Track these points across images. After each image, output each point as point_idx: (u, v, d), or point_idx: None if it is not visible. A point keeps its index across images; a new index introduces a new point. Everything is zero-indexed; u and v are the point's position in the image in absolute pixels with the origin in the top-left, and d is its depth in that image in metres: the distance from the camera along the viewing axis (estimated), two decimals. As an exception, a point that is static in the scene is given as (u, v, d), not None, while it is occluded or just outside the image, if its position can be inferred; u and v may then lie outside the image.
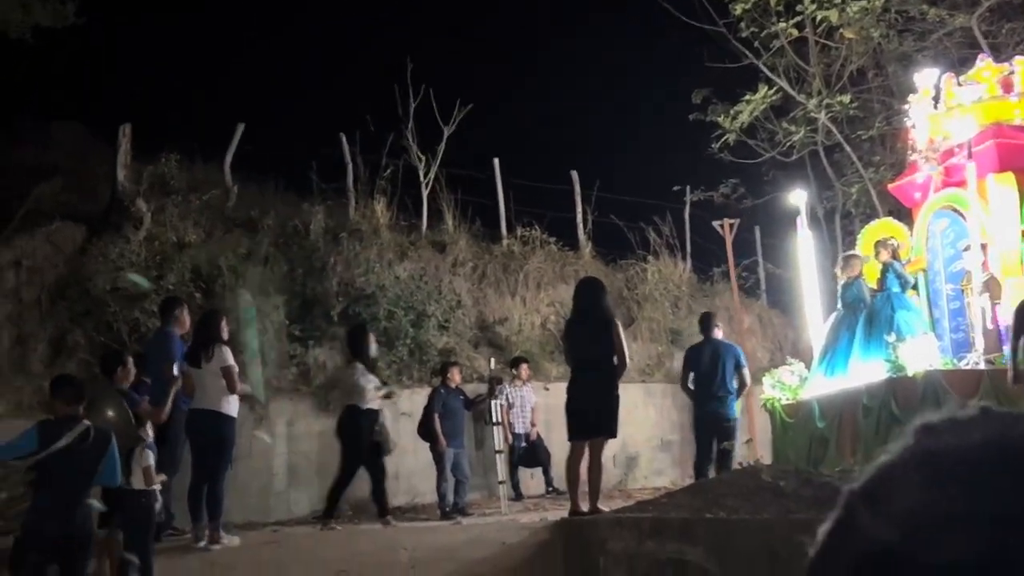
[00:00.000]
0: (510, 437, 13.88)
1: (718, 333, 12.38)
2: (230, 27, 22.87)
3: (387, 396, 11.56)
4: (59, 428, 6.79)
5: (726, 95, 19.15)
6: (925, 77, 12.59)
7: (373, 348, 11.85)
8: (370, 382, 11.21)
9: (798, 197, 13.17)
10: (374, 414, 11.21)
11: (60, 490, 6.74)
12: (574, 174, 18.41)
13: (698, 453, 12.17)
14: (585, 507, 8.91)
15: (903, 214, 13.83)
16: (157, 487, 8.28)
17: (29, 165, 16.31)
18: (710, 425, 11.92)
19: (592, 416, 9.10)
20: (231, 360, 9.68)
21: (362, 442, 10.94)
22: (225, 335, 9.80)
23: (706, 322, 12.56)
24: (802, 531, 5.52)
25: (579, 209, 18.32)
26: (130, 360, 9.37)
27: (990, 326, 10.66)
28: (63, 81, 19.73)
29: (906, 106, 17.42)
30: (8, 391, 11.83)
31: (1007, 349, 10.33)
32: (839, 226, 19.69)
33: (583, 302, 9.71)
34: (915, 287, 11.81)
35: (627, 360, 9.44)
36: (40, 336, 12.95)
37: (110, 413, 8.28)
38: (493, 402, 13.06)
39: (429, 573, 7.48)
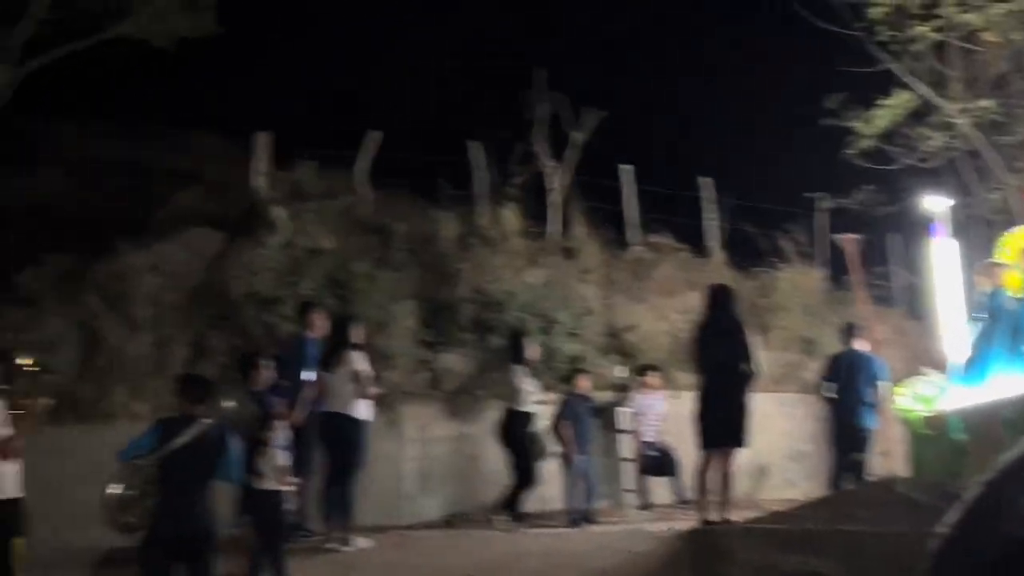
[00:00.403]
0: (639, 445, 13.80)
1: (860, 344, 12.10)
2: (363, 36, 23.24)
3: (543, 402, 11.68)
4: (179, 426, 6.93)
5: (862, 100, 18.74)
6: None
7: (533, 352, 11.95)
8: (529, 385, 11.31)
9: (935, 203, 12.81)
10: (532, 417, 11.32)
11: (179, 488, 6.88)
12: (705, 180, 18.24)
13: (833, 464, 11.93)
14: (715, 517, 8.80)
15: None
16: (289, 488, 8.44)
17: (171, 172, 16.85)
18: (844, 436, 11.68)
19: (722, 425, 8.99)
20: (362, 364, 9.83)
21: (524, 442, 10.99)
22: (357, 340, 9.95)
23: (848, 332, 12.31)
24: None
25: (709, 216, 18.13)
26: (265, 363, 9.56)
27: None
28: (204, 90, 20.29)
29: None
30: (148, 393, 12.17)
31: None
32: (978, 234, 19.08)
33: (713, 309, 9.60)
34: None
35: (759, 368, 9.30)
36: (179, 339, 13.30)
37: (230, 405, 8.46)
38: (622, 410, 13.00)
39: (557, 580, 7.48)
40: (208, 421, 7.05)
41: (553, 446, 12.60)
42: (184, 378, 7.47)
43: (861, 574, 5.16)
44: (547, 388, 14.11)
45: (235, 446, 7.13)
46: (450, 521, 12.75)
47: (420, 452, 13.30)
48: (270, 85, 21.43)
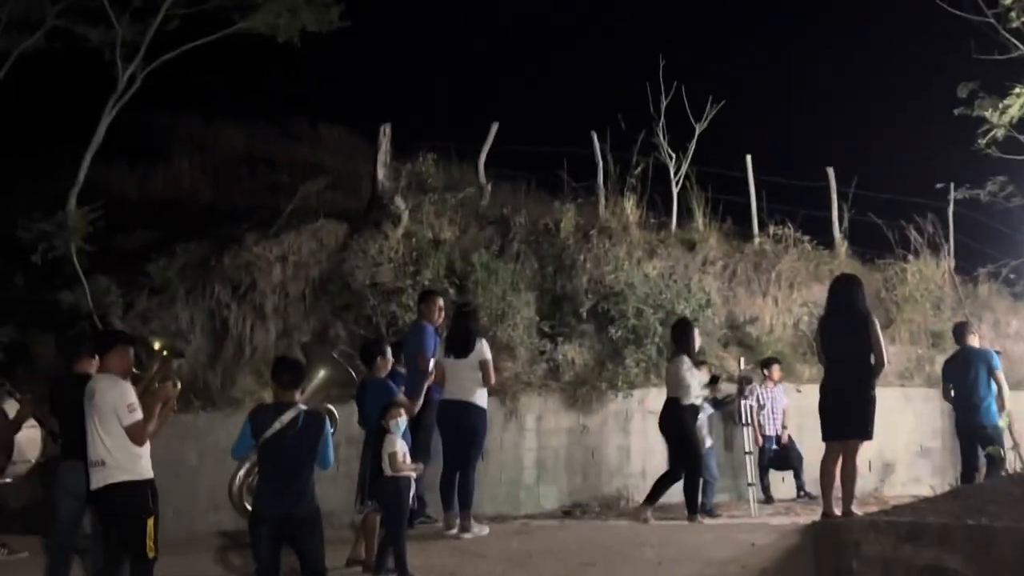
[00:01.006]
0: (760, 439, 13.64)
1: (973, 341, 11.78)
2: (484, 25, 23.36)
3: (713, 381, 11.58)
4: (270, 415, 7.03)
5: (994, 88, 18.20)
6: None
7: (698, 342, 11.84)
8: (695, 377, 11.22)
9: (1075, 193, 12.36)
10: (696, 409, 11.25)
11: (278, 474, 6.99)
12: (830, 171, 17.89)
13: (963, 461, 11.65)
14: (838, 511, 8.67)
15: None
16: (410, 475, 8.53)
17: (298, 164, 17.20)
18: (970, 434, 11.41)
19: (846, 417, 8.84)
20: (489, 354, 9.91)
21: (685, 435, 10.93)
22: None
23: (959, 332, 12.01)
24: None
25: (835, 207, 17.79)
26: (388, 350, 9.68)
27: None
28: (328, 83, 20.62)
29: None
30: (274, 381, 12.39)
31: None
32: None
33: (838, 299, 9.43)
34: None
35: (884, 359, 9.12)
36: (304, 329, 13.58)
37: (323, 373, 8.54)
38: (743, 402, 12.85)
39: (676, 571, 7.42)
40: (303, 407, 7.14)
41: (662, 440, 12.54)
42: (276, 364, 7.51)
43: (992, 570, 5.00)
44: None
45: (328, 430, 7.17)
46: (569, 512, 12.74)
47: (538, 443, 13.33)
48: (393, 77, 21.69)
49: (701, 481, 11.51)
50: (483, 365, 9.86)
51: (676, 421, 11.06)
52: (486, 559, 8.50)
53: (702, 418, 11.72)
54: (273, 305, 13.60)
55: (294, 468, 6.96)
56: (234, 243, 13.91)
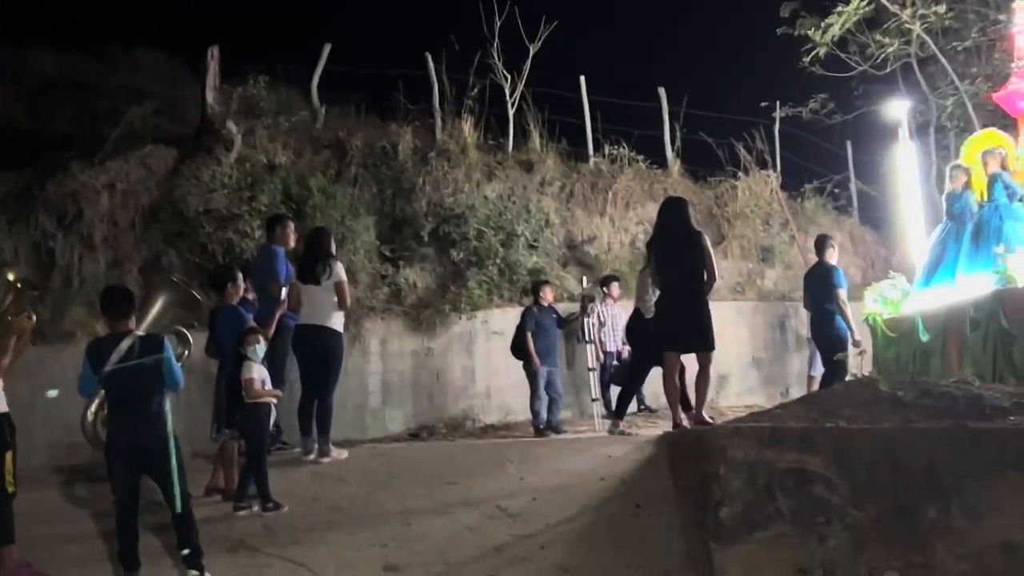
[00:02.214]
0: (602, 355, 13.84)
1: (831, 255, 12.14)
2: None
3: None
4: (106, 347, 6.80)
5: (816, 7, 18.69)
6: (1034, -20, 12.14)
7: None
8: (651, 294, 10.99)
9: (900, 108, 12.81)
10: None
11: (126, 404, 6.79)
12: (661, 91, 18.14)
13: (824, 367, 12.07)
14: (685, 419, 8.92)
15: (1000, 126, 13.45)
16: (270, 401, 8.41)
17: (118, 90, 16.49)
18: (820, 341, 11.82)
19: (685, 332, 9.06)
20: (344, 275, 9.76)
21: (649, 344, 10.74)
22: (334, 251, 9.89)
23: (819, 245, 12.36)
24: (923, 440, 5.45)
25: (667, 127, 18.06)
26: (240, 276, 9.47)
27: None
28: (144, 6, 19.81)
29: (1003, 16, 16.94)
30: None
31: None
32: (933, 140, 19.18)
33: (667, 220, 9.62)
34: (1022, 198, 11.49)
35: (716, 274, 9.37)
36: (135, 258, 13.16)
37: (162, 299, 8.30)
38: (585, 320, 13.02)
39: (537, 484, 7.52)
40: (139, 333, 6.92)
41: (506, 359, 12.64)
42: (104, 295, 7.19)
43: (852, 470, 5.22)
44: (509, 300, 14.16)
45: (170, 353, 6.96)
46: (415, 434, 12.77)
47: (383, 367, 13.31)
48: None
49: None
50: (338, 287, 9.70)
51: (638, 330, 11.04)
52: (347, 482, 8.46)
53: None
54: (102, 234, 13.09)
55: (141, 398, 6.74)
56: (58, 171, 13.30)
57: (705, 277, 9.31)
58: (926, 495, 5.29)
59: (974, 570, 5.20)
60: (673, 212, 9.70)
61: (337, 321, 9.73)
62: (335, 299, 9.65)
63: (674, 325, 9.25)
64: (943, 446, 5.37)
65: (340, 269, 9.76)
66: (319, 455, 9.48)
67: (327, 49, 15.91)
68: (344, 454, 9.73)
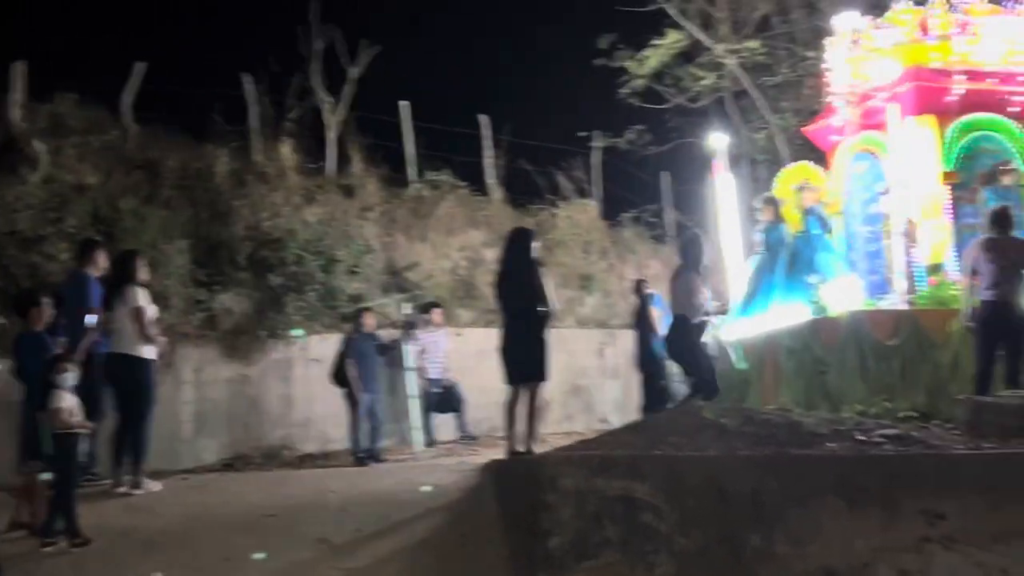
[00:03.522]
0: (424, 383, 13.73)
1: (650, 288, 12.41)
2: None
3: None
4: None
5: (636, 39, 19.09)
6: (843, 20, 12.61)
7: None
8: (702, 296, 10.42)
9: (718, 140, 13.10)
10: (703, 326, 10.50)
11: None
12: (483, 118, 18.16)
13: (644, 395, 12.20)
14: (522, 448, 8.89)
15: (809, 159, 13.94)
16: (81, 431, 7.99)
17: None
18: (644, 369, 11.98)
19: (523, 362, 9.07)
20: (142, 302, 9.33)
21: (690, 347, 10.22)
22: (142, 276, 9.45)
23: (637, 289, 12.62)
24: (748, 468, 5.50)
25: (488, 154, 18.08)
26: (44, 301, 9.02)
27: (908, 268, 10.81)
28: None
29: (811, 52, 17.63)
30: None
31: (923, 289, 10.53)
32: (745, 172, 19.75)
33: (511, 251, 9.60)
34: (831, 230, 11.93)
35: (555, 306, 9.40)
36: (-67, 281, 12.41)
37: None
38: (407, 347, 12.88)
39: (361, 515, 7.32)
40: None
41: (324, 387, 12.46)
42: None
43: (679, 498, 5.24)
44: (329, 327, 13.91)
45: None
46: (230, 464, 12.41)
47: (197, 395, 12.90)
48: (22, 14, 20.09)
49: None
50: (134, 314, 9.30)
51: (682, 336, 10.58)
52: (162, 515, 8.09)
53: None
54: None
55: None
56: None
57: (543, 308, 9.31)
58: (750, 522, 5.34)
59: (796, 596, 5.27)
60: (512, 243, 9.69)
61: (144, 349, 9.32)
62: (137, 326, 9.25)
63: (512, 356, 9.24)
64: (767, 473, 5.44)
65: (135, 295, 9.32)
66: (131, 487, 9.07)
67: (140, 67, 15.37)
68: (158, 486, 9.34)
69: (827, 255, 11.24)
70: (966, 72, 11.72)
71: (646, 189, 20.13)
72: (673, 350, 10.19)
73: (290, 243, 14.09)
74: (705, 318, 9.89)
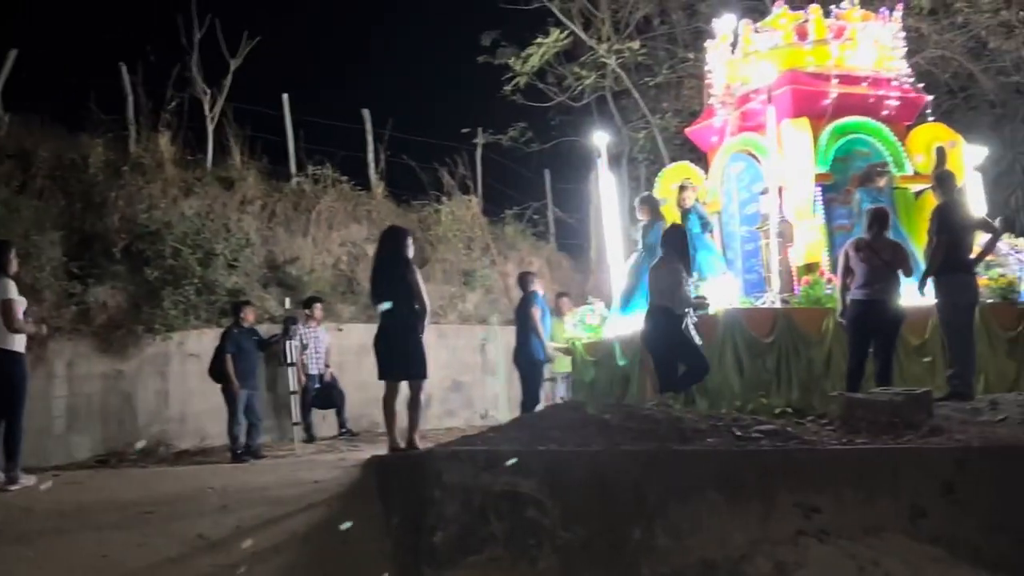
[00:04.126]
0: (304, 378, 13.61)
1: (537, 286, 12.46)
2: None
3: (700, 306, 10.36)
4: None
5: (519, 37, 19.18)
6: (723, 23, 12.86)
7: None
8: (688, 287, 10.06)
9: (599, 138, 13.20)
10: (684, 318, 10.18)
11: None
12: (365, 112, 18.04)
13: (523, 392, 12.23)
14: (403, 444, 8.87)
15: (688, 159, 14.19)
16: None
17: None
18: (522, 367, 12.04)
19: (401, 360, 9.04)
20: (11, 294, 9.04)
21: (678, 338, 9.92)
22: (12, 268, 9.16)
23: (521, 281, 12.68)
24: (630, 463, 5.59)
25: (371, 149, 17.97)
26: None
27: (783, 267, 11.08)
28: None
29: (691, 54, 17.93)
30: None
31: (799, 289, 10.79)
32: (625, 171, 20.00)
33: (385, 249, 9.57)
34: (711, 229, 12.15)
35: (426, 304, 9.37)
36: None
37: None
38: (287, 342, 12.75)
39: (242, 513, 7.21)
40: None
41: (202, 382, 12.31)
42: None
43: (562, 493, 5.30)
44: (207, 321, 13.70)
45: None
46: (104, 460, 12.14)
47: (69, 390, 12.62)
48: None
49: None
50: (7, 306, 9.01)
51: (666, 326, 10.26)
52: (35, 512, 7.85)
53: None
54: None
55: None
56: None
57: (416, 307, 9.28)
58: (632, 516, 5.43)
59: (675, 588, 5.37)
60: (387, 242, 9.64)
61: (11, 341, 9.05)
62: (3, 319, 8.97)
63: (386, 353, 9.20)
64: (648, 468, 5.52)
65: (4, 287, 9.04)
66: (6, 483, 8.81)
67: (12, 55, 14.90)
68: (32, 480, 9.08)
69: (706, 254, 11.44)
70: (841, 76, 12.03)
71: (528, 186, 20.27)
72: (652, 342, 10.06)
73: (167, 236, 13.81)
74: (688, 310, 9.87)
